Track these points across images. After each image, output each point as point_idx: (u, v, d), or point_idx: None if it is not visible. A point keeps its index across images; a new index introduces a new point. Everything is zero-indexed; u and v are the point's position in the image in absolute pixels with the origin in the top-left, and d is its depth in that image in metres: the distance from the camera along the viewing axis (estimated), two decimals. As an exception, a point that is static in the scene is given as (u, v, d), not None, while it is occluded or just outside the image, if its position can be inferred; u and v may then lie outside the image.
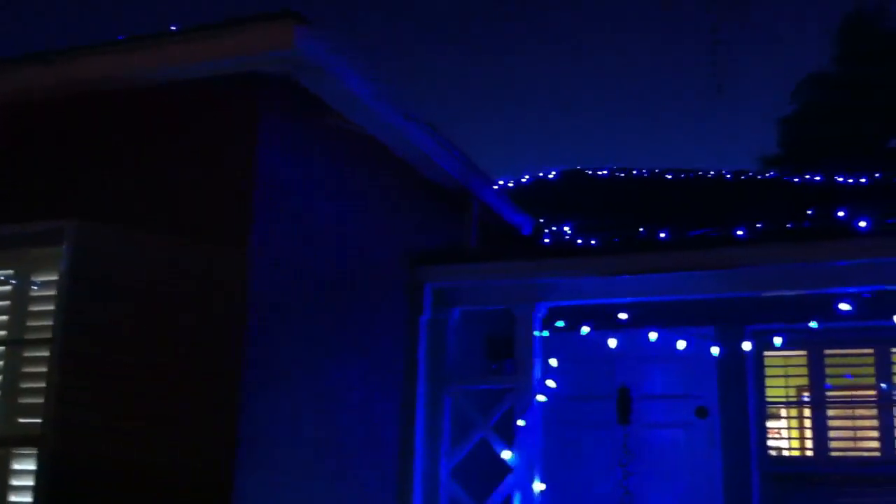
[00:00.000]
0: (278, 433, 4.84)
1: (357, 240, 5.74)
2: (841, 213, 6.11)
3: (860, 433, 7.19)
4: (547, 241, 6.89)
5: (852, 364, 7.30)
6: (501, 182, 9.70)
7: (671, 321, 6.93)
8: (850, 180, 8.99)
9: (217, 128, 4.93)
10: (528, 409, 5.92)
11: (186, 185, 4.92)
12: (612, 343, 6.55)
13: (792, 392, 7.43)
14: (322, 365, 5.27)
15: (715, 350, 6.66)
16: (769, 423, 7.41)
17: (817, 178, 9.31)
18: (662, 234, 6.20)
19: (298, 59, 4.71)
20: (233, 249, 4.70)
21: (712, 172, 9.94)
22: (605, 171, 10.46)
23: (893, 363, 7.18)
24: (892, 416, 7.12)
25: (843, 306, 6.01)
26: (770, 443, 7.36)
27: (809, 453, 7.25)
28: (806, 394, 7.39)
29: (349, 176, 5.73)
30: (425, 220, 6.64)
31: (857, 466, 7.07)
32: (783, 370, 7.41)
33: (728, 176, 9.86)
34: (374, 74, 5.15)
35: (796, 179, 9.45)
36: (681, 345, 6.64)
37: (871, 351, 7.23)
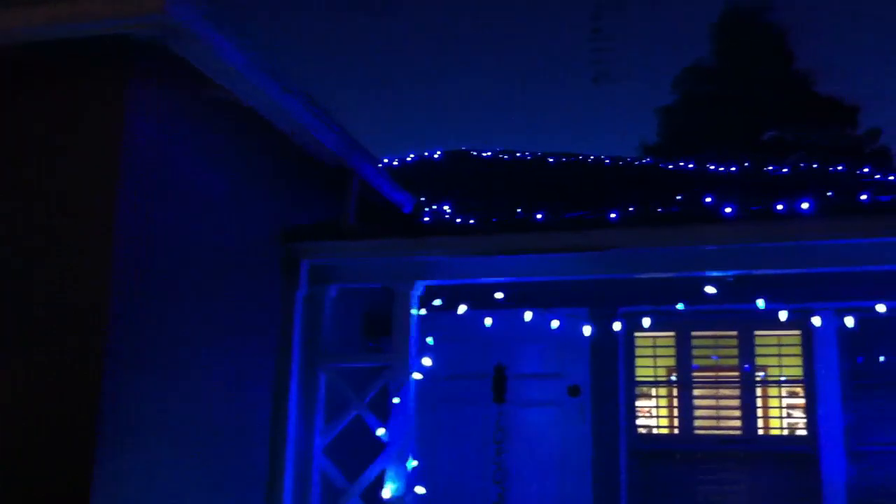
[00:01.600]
0: (143, 413, 4.71)
1: (232, 213, 5.61)
2: (708, 200, 6.31)
3: (723, 412, 7.49)
4: (427, 219, 6.89)
5: (717, 346, 7.59)
6: (385, 160, 9.66)
7: (546, 302, 7.05)
8: (721, 168, 9.32)
9: (84, 92, 4.74)
10: (403, 386, 5.93)
11: (50, 151, 4.71)
12: (489, 322, 6.61)
13: (661, 372, 7.68)
14: (192, 342, 5.14)
15: (587, 330, 6.82)
16: (638, 402, 7.64)
17: (690, 166, 9.61)
18: (539, 216, 6.28)
19: (170, 25, 4.56)
20: (97, 219, 4.53)
21: (592, 158, 10.15)
22: (489, 153, 10.55)
23: (756, 345, 7.50)
24: (754, 396, 7.44)
25: (709, 289, 6.23)
26: (638, 421, 7.60)
27: (675, 431, 7.52)
28: (673, 374, 7.64)
29: (226, 148, 5.59)
30: (304, 195, 6.55)
31: (720, 444, 7.37)
32: (652, 350, 7.65)
33: (607, 161, 10.09)
34: (250, 44, 5.03)
35: (671, 166, 9.74)
36: (555, 324, 6.76)
37: (734, 333, 7.53)
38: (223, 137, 5.56)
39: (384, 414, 6.03)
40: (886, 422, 7.10)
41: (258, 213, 5.93)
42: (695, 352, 7.58)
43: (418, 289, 6.19)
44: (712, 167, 9.51)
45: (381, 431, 5.89)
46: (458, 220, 6.38)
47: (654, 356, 7.65)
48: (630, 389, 7.55)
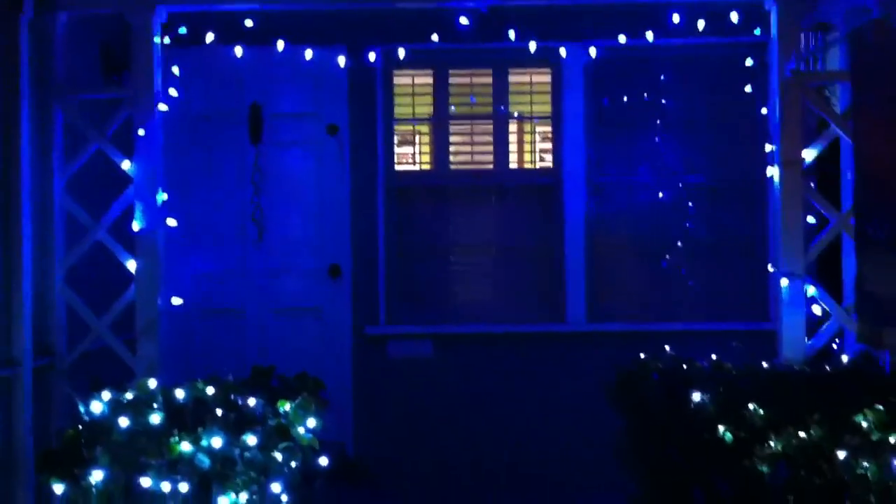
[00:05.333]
0: None
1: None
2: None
3: (477, 148, 7.74)
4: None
5: (473, 84, 7.72)
6: None
7: (301, 37, 6.85)
8: None
9: None
10: (148, 118, 5.62)
11: None
12: (239, 52, 6.33)
13: (420, 110, 7.74)
14: None
15: (342, 61, 6.71)
16: (397, 141, 7.74)
17: None
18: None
19: None
20: None
21: None
22: None
23: (510, 83, 7.69)
24: (506, 134, 7.72)
25: (463, 21, 6.26)
26: (396, 159, 7.72)
27: (432, 167, 7.72)
28: (431, 113, 7.73)
29: None
30: None
31: (474, 178, 7.67)
32: (411, 89, 7.68)
33: None
34: None
35: None
36: (308, 55, 6.61)
37: (489, 72, 7.67)
38: None
39: (130, 149, 5.75)
40: (624, 157, 7.63)
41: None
42: (452, 90, 7.68)
43: (160, 15, 5.74)
44: None
45: (126, 165, 5.64)
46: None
47: (413, 94, 7.69)
48: (388, 128, 7.61)
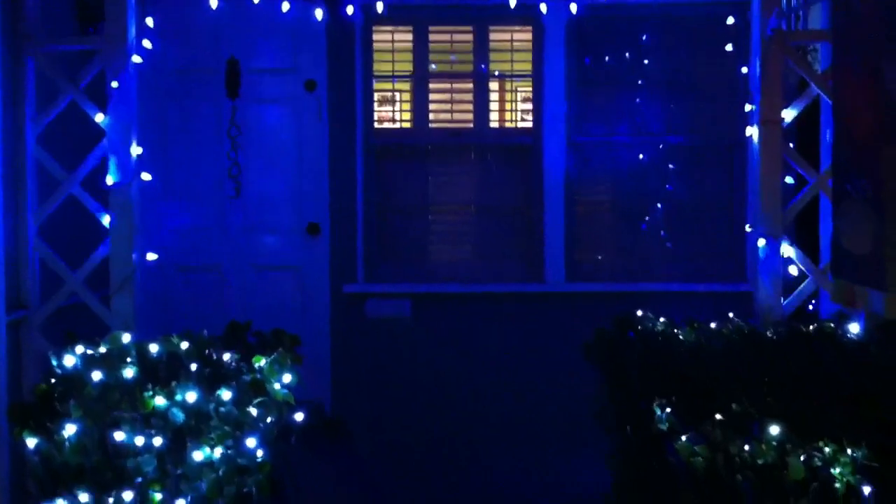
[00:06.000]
0: None
1: None
2: None
3: (457, 106, 7.67)
4: None
5: (454, 42, 7.63)
6: None
7: (279, -10, 6.75)
8: None
9: None
10: (122, 70, 5.52)
11: None
12: (214, 3, 6.20)
13: (400, 67, 7.65)
14: None
15: (319, 13, 6.60)
16: (376, 98, 7.65)
17: None
18: None
19: None
20: None
21: None
22: None
23: (490, 41, 7.61)
24: (487, 92, 7.65)
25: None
26: (375, 116, 7.64)
27: (411, 126, 7.65)
28: (411, 71, 7.65)
29: None
30: None
31: (453, 136, 7.61)
32: (391, 45, 7.59)
33: None
34: None
35: None
36: (285, 7, 6.49)
37: (470, 28, 7.58)
38: None
39: (104, 103, 5.66)
40: (604, 116, 7.59)
41: None
42: (432, 47, 7.59)
43: (132, -36, 5.64)
44: None
45: (99, 117, 5.55)
46: None
47: (393, 51, 7.59)
48: (368, 85, 7.52)
